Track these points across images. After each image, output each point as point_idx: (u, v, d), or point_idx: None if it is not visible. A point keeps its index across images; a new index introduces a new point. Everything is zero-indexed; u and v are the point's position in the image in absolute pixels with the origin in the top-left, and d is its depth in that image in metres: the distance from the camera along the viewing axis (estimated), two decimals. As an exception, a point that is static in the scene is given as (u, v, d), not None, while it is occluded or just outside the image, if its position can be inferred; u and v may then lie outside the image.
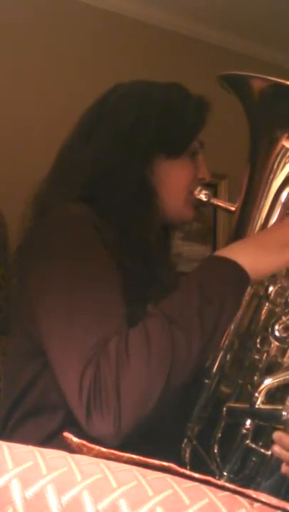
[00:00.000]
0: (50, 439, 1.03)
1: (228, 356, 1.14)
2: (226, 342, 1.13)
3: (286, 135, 1.14)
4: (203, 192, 1.26)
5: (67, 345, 1.00)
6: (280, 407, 0.96)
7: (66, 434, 0.75)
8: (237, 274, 1.05)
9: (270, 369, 1.09)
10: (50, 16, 2.60)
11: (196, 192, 1.26)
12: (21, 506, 0.57)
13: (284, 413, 0.95)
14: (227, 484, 0.65)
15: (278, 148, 1.14)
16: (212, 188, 2.84)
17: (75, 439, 0.73)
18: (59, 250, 1.09)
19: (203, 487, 0.63)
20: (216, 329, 1.02)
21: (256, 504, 0.61)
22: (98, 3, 2.72)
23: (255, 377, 1.08)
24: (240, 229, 1.18)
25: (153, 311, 1.03)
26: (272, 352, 1.09)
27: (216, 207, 1.33)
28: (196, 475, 0.66)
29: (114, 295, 1.06)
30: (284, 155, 1.14)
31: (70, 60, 2.63)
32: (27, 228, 1.19)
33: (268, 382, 1.01)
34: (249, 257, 1.06)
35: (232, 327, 1.13)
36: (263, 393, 1.00)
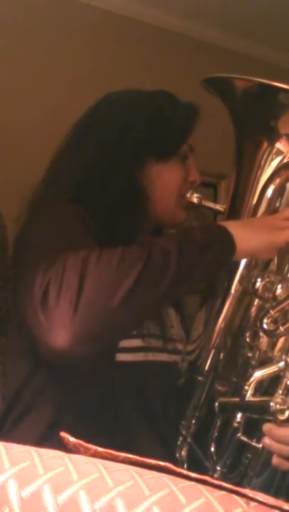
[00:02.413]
0: (45, 438, 1.03)
1: (222, 355, 1.15)
2: (218, 340, 1.14)
3: (270, 134, 1.16)
4: (195, 195, 1.31)
5: (35, 258, 1.01)
6: (269, 399, 0.96)
7: (63, 434, 0.75)
8: (223, 234, 1.08)
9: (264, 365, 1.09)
10: (50, 16, 2.60)
11: (188, 195, 1.30)
12: (18, 506, 0.57)
13: (272, 404, 0.95)
14: (224, 483, 0.65)
15: (263, 148, 1.16)
16: (212, 188, 2.84)
17: (72, 439, 0.73)
18: (41, 229, 1.12)
19: (200, 486, 0.63)
20: (193, 266, 1.03)
21: (253, 503, 0.61)
22: (98, 3, 2.72)
23: (249, 374, 1.09)
24: None
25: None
26: (263, 347, 1.10)
27: (208, 209, 1.36)
28: (193, 474, 0.66)
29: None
30: (269, 154, 1.16)
31: (70, 59, 2.64)
32: (20, 229, 1.21)
33: (258, 374, 1.02)
34: (239, 229, 1.10)
35: (223, 325, 1.15)
36: (252, 386, 1.01)
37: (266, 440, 0.96)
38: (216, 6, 2.77)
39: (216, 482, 0.64)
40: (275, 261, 1.18)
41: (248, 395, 1.01)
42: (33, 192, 1.26)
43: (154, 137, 1.27)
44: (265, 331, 1.08)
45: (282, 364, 1.01)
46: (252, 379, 1.02)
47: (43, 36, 2.59)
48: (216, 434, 1.10)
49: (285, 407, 0.93)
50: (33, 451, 0.64)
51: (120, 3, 2.76)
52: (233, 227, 1.09)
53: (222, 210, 1.28)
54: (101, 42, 2.72)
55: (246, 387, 1.01)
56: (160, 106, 1.30)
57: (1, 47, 2.50)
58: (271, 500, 0.63)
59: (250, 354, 1.11)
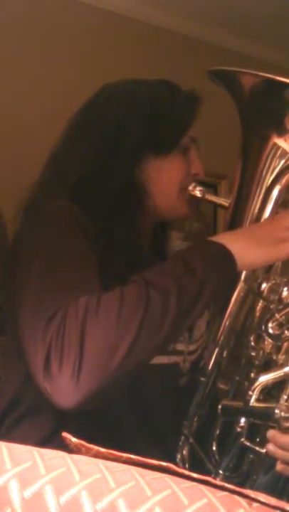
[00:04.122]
0: (47, 441, 1.02)
1: (225, 353, 1.14)
2: (222, 338, 1.13)
3: (277, 132, 1.14)
4: (198, 188, 1.26)
5: (38, 300, 0.98)
6: (274, 405, 0.96)
7: (65, 434, 0.74)
8: (223, 256, 1.04)
9: (267, 365, 1.08)
10: (50, 16, 2.59)
11: (190, 188, 1.25)
12: (20, 506, 0.57)
13: (276, 411, 0.94)
14: (226, 484, 0.64)
15: (270, 146, 1.14)
16: (212, 188, 2.84)
17: (74, 439, 0.73)
18: (39, 236, 1.09)
19: (202, 487, 0.63)
20: (194, 303, 0.99)
21: (255, 504, 0.61)
22: (98, 3, 2.72)
23: (252, 374, 1.08)
24: (233, 224, 1.18)
25: (133, 278, 1.00)
26: (267, 349, 1.08)
27: (211, 203, 1.32)
28: (195, 475, 0.66)
29: (90, 273, 1.05)
30: (275, 152, 1.14)
31: (70, 59, 2.63)
32: (16, 229, 1.20)
33: (262, 379, 1.01)
34: (238, 245, 1.06)
35: (227, 323, 1.13)
36: (256, 391, 1.00)
37: (270, 447, 0.96)
38: (216, 6, 2.76)
39: (218, 483, 0.64)
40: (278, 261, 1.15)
41: (252, 401, 1.00)
42: (30, 192, 1.24)
43: (151, 132, 1.23)
44: (269, 335, 1.05)
45: (287, 369, 1.00)
46: (256, 383, 1.00)
47: (43, 36, 2.58)
48: (218, 432, 1.09)
49: None
50: (35, 451, 0.64)
51: (120, 3, 2.76)
52: (233, 243, 1.05)
53: (226, 204, 1.23)
54: (101, 42, 2.72)
55: (250, 393, 1.00)
56: (158, 98, 1.25)
57: (1, 47, 2.49)
58: (273, 501, 0.63)
59: (253, 353, 1.10)
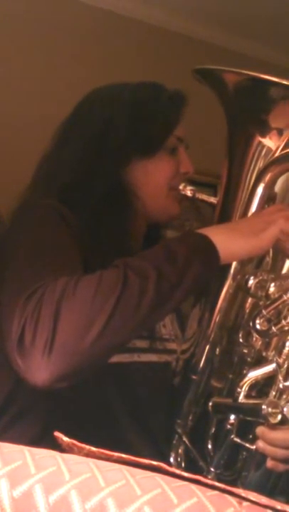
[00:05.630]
0: (39, 441, 1.02)
1: (217, 350, 1.14)
2: (212, 335, 1.13)
3: (261, 130, 1.14)
4: (188, 188, 1.27)
5: (19, 281, 0.99)
6: (262, 402, 0.96)
7: (57, 434, 0.74)
8: (206, 246, 1.04)
9: (260, 362, 1.08)
10: (49, 16, 2.60)
11: (181, 187, 1.27)
12: (9, 506, 0.57)
13: (264, 407, 0.94)
14: (216, 483, 0.64)
15: (255, 144, 1.14)
16: (212, 188, 2.83)
17: (66, 439, 0.73)
18: (24, 231, 1.10)
19: (193, 486, 0.62)
20: (173, 290, 0.99)
21: (245, 503, 0.61)
22: (98, 3, 2.72)
23: (245, 371, 1.08)
24: (222, 221, 1.19)
25: (114, 262, 1.01)
26: (257, 345, 1.08)
27: (202, 202, 1.32)
28: (186, 474, 0.65)
29: (73, 260, 1.06)
30: (260, 150, 1.14)
31: (70, 59, 2.64)
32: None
33: (251, 375, 1.01)
34: (221, 236, 1.06)
35: (217, 320, 1.13)
36: (245, 387, 1.00)
37: (260, 443, 0.96)
38: (216, 6, 2.77)
39: (209, 482, 0.64)
40: (268, 258, 1.15)
41: (241, 397, 1.00)
42: (21, 195, 1.25)
43: (135, 134, 1.24)
44: (257, 331, 1.05)
45: (275, 365, 1.00)
46: (245, 379, 1.00)
47: (43, 36, 2.59)
48: (213, 431, 1.09)
49: (278, 410, 0.92)
50: (26, 450, 0.64)
51: (120, 3, 2.76)
52: (216, 234, 1.05)
53: (215, 202, 1.24)
54: (101, 42, 2.73)
55: (239, 389, 1.00)
56: (141, 100, 1.26)
57: (1, 47, 2.50)
58: (264, 499, 0.63)
59: (245, 351, 1.10)
